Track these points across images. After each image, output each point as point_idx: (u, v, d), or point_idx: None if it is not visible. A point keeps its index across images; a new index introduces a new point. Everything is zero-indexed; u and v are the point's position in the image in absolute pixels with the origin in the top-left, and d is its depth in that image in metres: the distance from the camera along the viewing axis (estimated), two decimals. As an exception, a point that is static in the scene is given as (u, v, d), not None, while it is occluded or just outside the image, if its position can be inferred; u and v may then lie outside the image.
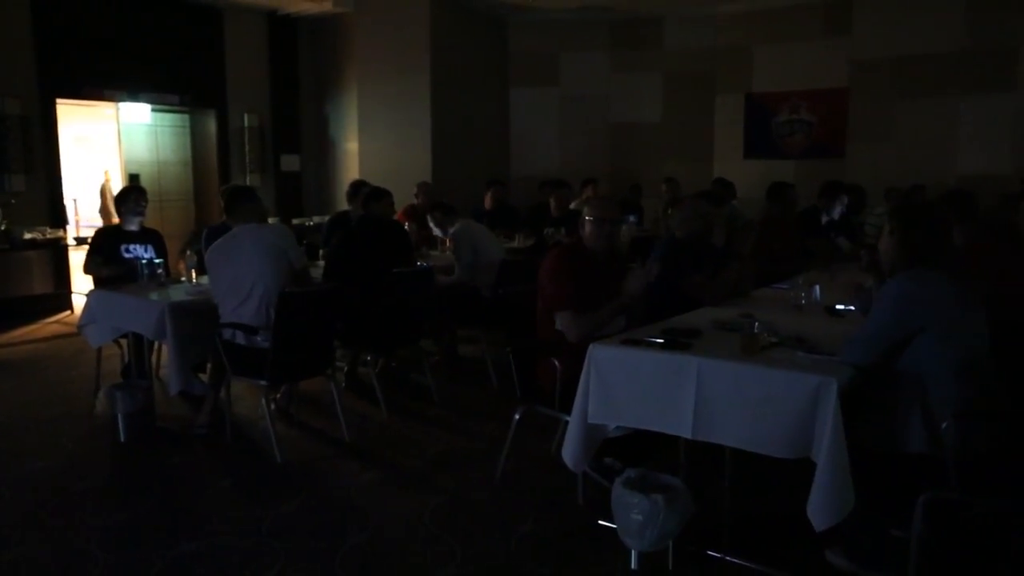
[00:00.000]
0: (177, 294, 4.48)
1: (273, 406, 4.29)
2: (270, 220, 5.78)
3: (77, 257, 8.23)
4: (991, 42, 8.59)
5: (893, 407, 2.74)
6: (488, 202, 7.90)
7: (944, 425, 2.59)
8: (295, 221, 9.46)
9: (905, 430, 2.71)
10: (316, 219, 9.76)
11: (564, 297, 3.51)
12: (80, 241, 7.85)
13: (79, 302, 8.20)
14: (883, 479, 2.78)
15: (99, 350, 5.19)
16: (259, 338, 4.03)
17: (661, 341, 3.06)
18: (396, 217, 6.05)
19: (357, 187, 6.22)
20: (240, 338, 4.10)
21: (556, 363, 3.39)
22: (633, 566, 2.92)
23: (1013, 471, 2.72)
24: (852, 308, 3.70)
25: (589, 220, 3.62)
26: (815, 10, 9.54)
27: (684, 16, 10.13)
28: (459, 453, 4.21)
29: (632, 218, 8.56)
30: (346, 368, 5.37)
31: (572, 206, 7.73)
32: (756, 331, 2.97)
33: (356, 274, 4.72)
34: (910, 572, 2.70)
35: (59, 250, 7.98)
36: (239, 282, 4.10)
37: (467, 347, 6.16)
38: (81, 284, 8.38)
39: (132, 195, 5.19)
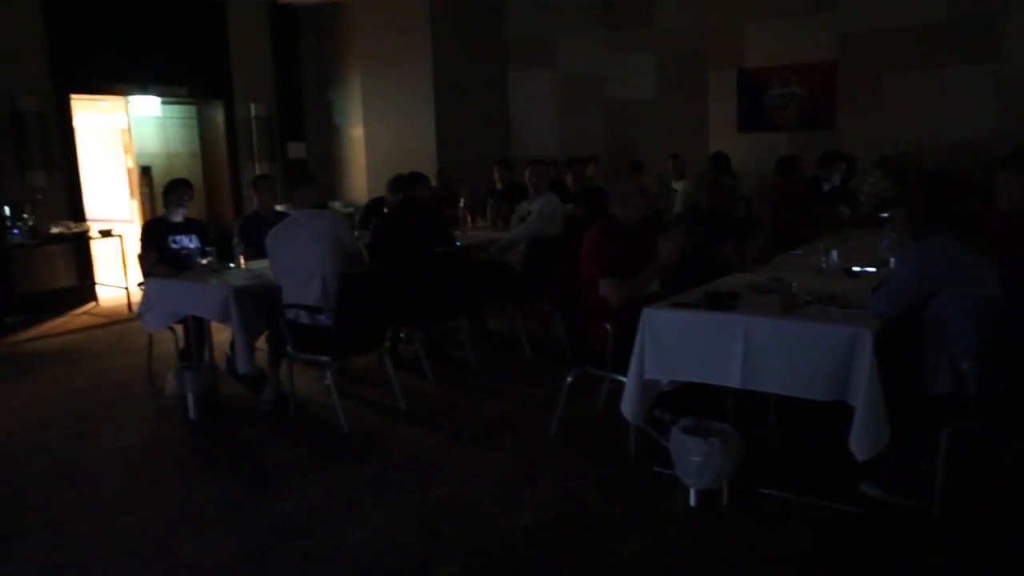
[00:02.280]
0: (235, 279, 4.75)
1: (327, 381, 4.59)
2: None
3: (98, 249, 8.47)
4: (974, 13, 8.95)
5: (921, 353, 3.11)
6: (499, 182, 8.18)
7: (964, 366, 2.97)
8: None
9: (932, 373, 3.08)
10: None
11: (608, 266, 3.86)
12: (104, 234, 8.05)
13: (105, 294, 8.44)
14: (912, 418, 3.16)
15: (150, 336, 5.48)
16: (322, 317, 4.34)
17: (708, 303, 3.41)
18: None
19: (397, 179, 6.50)
20: (303, 317, 4.40)
21: (607, 327, 3.73)
22: (692, 503, 3.28)
23: (1025, 404, 3.12)
24: (869, 270, 4.08)
25: (635, 194, 3.97)
26: (804, -14, 9.86)
27: (676, -5, 10.42)
28: (510, 416, 4.55)
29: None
30: (388, 344, 5.67)
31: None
32: (794, 291, 3.33)
33: (401, 254, 5.02)
34: (935, 499, 3.10)
35: (83, 244, 8.18)
36: (300, 266, 4.39)
37: (493, 321, 6.48)
38: (106, 276, 8.64)
39: (178, 187, 5.42)
